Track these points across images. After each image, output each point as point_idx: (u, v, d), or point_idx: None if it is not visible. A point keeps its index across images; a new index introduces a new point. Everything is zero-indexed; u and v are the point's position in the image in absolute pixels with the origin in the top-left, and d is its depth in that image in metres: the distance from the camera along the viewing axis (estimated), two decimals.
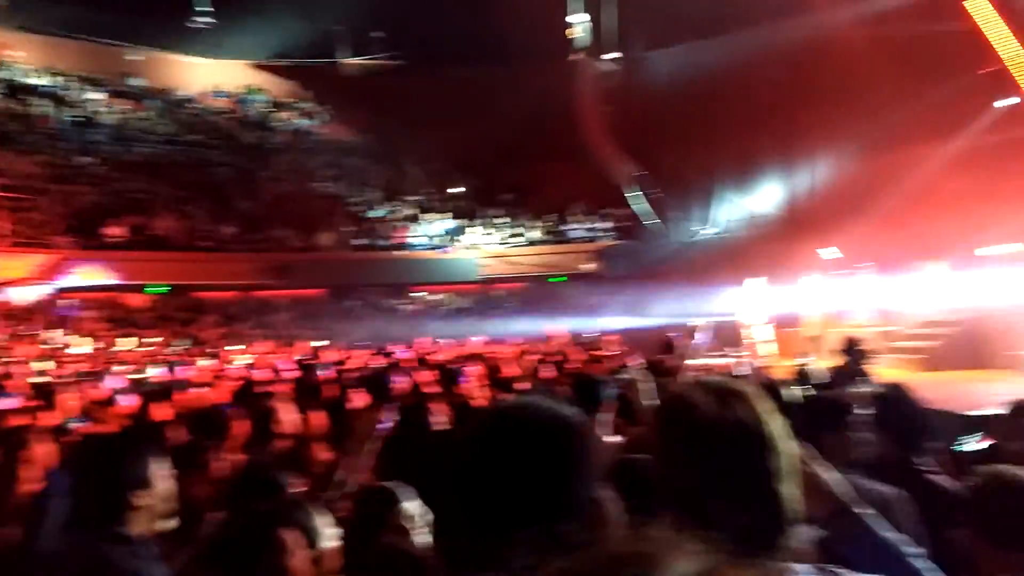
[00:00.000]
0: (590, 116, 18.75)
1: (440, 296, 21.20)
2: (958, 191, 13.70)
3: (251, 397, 5.13)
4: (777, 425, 1.29)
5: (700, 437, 1.28)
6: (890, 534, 1.48)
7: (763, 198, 19.95)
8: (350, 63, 21.98)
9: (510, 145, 19.62)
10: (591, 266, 19.98)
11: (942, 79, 14.34)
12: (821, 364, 6.93)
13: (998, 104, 14.35)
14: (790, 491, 1.25)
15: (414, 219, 21.25)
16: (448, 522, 1.32)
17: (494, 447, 1.22)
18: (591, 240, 20.79)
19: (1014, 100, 14.00)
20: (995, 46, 13.77)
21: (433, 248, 20.56)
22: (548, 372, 6.95)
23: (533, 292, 20.72)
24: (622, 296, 17.86)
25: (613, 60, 17.49)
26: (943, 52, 14.13)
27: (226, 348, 13.16)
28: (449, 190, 22.43)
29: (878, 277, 13.68)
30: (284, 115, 23.24)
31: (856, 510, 1.47)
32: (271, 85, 23.49)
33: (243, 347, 13.43)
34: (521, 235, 21.22)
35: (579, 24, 16.36)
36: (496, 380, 6.30)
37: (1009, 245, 11.96)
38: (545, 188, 21.05)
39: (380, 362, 9.49)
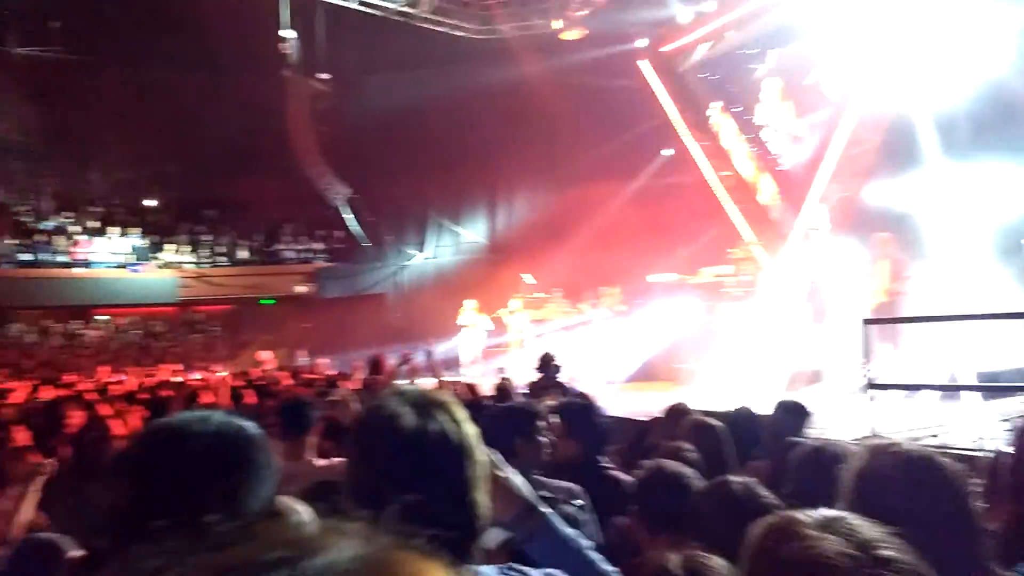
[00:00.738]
0: (302, 135, 18.29)
1: (130, 319, 19.11)
2: (633, 226, 15.70)
3: None
4: (472, 433, 1.36)
5: (401, 447, 1.29)
6: (569, 530, 1.61)
7: (472, 226, 21.03)
8: (17, 52, 18.97)
9: (215, 158, 18.39)
10: (303, 288, 19.39)
11: (621, 128, 16.37)
12: (520, 378, 7.43)
13: (664, 153, 16.72)
14: (483, 498, 1.32)
15: (97, 233, 18.92)
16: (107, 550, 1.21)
17: (147, 460, 1.15)
18: (303, 261, 20.20)
19: (671, 151, 16.42)
20: (660, 103, 16.03)
21: (121, 266, 18.45)
22: (253, 398, 6.60)
23: (240, 315, 19.57)
24: (334, 318, 17.61)
25: (326, 80, 17.26)
26: (621, 104, 16.13)
27: None
28: (142, 203, 20.35)
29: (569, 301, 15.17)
30: None
31: (541, 510, 1.58)
32: None
33: None
34: (226, 254, 19.93)
35: (290, 40, 15.88)
36: (195, 408, 5.81)
37: (671, 274, 13.90)
38: (253, 206, 20.04)
39: (52, 394, 8.28)
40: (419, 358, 7.18)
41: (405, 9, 16.32)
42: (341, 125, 17.91)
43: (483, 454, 1.36)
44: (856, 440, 3.05)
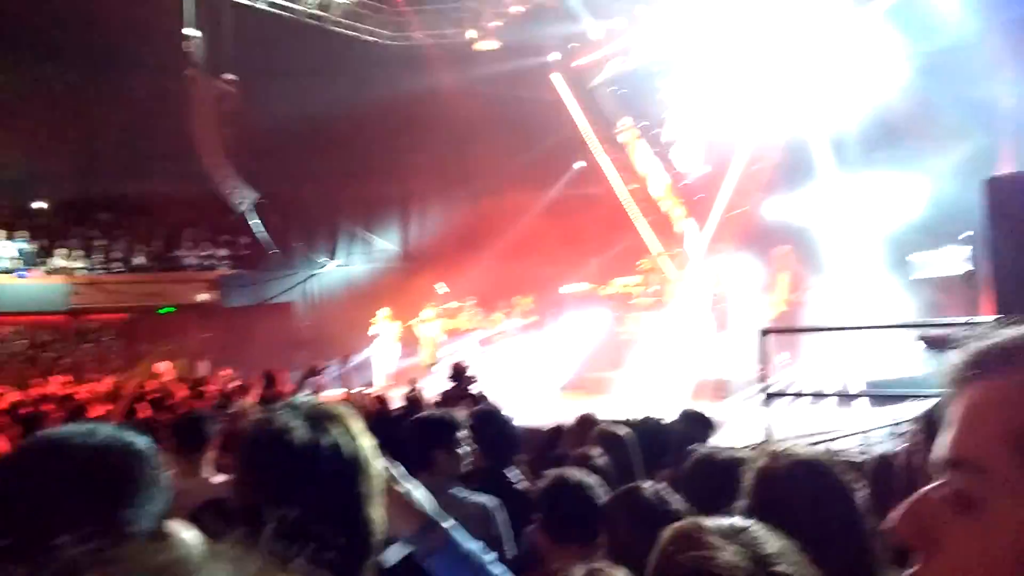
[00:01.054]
0: (206, 136, 17.61)
1: (15, 329, 17.93)
2: (546, 236, 15.87)
3: None
4: (368, 446, 1.30)
5: (291, 463, 1.23)
6: (472, 544, 1.57)
7: (385, 234, 20.75)
8: None
9: (110, 158, 17.47)
10: (205, 296, 18.64)
11: (534, 139, 16.54)
12: (431, 389, 7.35)
13: (576, 165, 17.00)
14: (377, 513, 1.27)
15: None
16: None
17: (23, 475, 1.07)
18: (205, 268, 19.42)
19: (583, 164, 16.73)
20: (573, 116, 16.30)
21: (6, 272, 17.31)
22: (147, 411, 6.28)
23: (136, 324, 18.62)
24: (239, 328, 17.01)
25: (232, 81, 16.67)
26: (535, 116, 16.31)
27: None
28: (30, 204, 19.14)
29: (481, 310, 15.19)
30: None
31: (443, 524, 1.53)
32: None
33: None
34: (122, 260, 18.96)
35: (194, 38, 15.30)
36: (79, 423, 5.47)
37: (583, 284, 14.13)
38: (152, 209, 19.14)
39: None
40: (330, 371, 7.02)
41: (316, 12, 16.01)
42: (248, 128, 17.36)
43: (379, 468, 1.31)
44: (750, 446, 3.14)
